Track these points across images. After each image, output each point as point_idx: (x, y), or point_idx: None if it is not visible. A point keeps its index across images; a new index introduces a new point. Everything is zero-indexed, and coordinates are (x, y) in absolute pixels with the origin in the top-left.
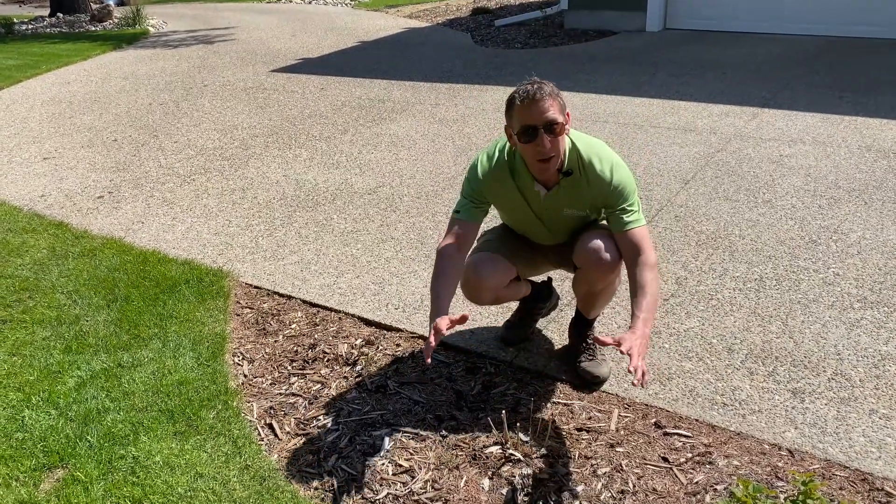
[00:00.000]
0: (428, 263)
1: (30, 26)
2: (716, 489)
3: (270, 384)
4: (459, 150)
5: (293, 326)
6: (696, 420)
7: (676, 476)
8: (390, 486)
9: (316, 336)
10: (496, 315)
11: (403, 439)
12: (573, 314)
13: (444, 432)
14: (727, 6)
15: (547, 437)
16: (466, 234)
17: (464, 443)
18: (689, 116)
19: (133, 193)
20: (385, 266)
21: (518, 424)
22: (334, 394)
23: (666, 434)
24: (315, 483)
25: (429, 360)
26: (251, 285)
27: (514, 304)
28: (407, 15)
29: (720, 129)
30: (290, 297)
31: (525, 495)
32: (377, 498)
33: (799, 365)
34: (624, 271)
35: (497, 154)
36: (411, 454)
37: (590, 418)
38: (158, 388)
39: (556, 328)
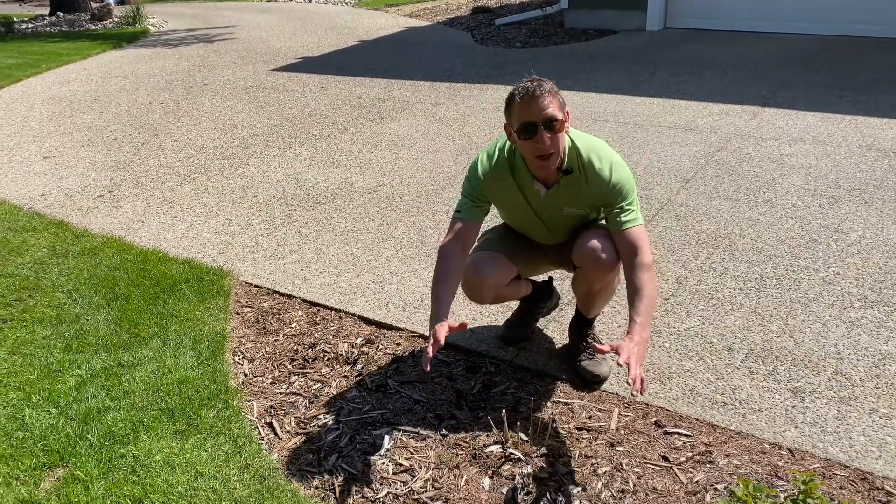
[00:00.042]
0: (428, 262)
1: (30, 25)
2: (716, 488)
3: (271, 383)
4: (460, 149)
5: (293, 325)
6: (697, 419)
7: (677, 475)
8: (390, 485)
9: (316, 335)
10: (496, 314)
11: (404, 438)
12: (573, 313)
13: (444, 431)
14: (727, 5)
15: (547, 436)
16: (467, 233)
17: (464, 442)
18: (689, 115)
19: (133, 192)
20: (385, 265)
21: (518, 423)
22: (334, 393)
23: (666, 433)
24: (315, 482)
25: (427, 369)
26: (251, 284)
27: (515, 304)
28: (407, 14)
29: (720, 129)
30: (290, 296)
31: (525, 494)
32: (377, 497)
33: (799, 364)
34: (622, 272)
35: (497, 153)
36: (411, 453)
37: (590, 417)
38: (159, 387)
39: (556, 327)
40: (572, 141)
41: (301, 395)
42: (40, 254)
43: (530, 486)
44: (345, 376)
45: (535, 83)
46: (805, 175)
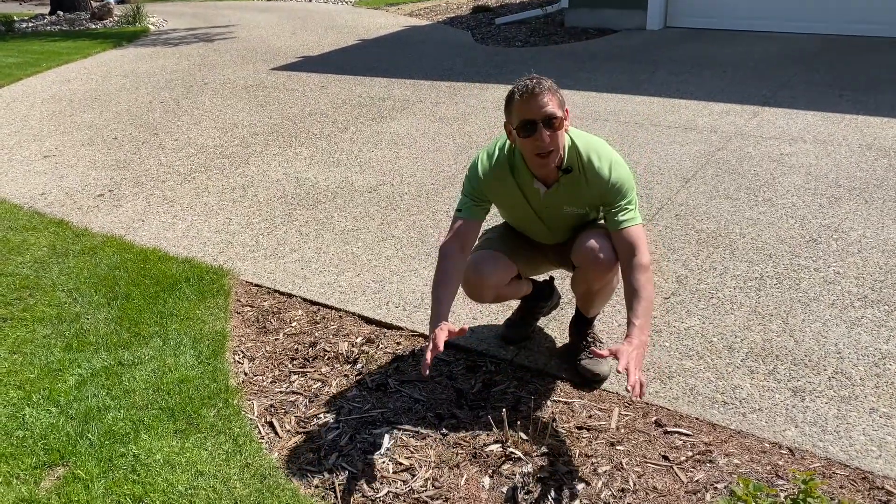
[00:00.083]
0: (428, 262)
1: (30, 24)
2: (716, 487)
3: (271, 382)
4: (460, 148)
5: (294, 324)
6: (697, 418)
7: (677, 474)
8: (391, 485)
9: (316, 334)
10: (497, 313)
11: (404, 437)
12: (573, 313)
13: (444, 430)
14: (727, 5)
15: (547, 435)
16: (468, 233)
17: (464, 441)
18: (689, 115)
19: (133, 191)
20: (385, 264)
21: (518, 423)
22: (335, 392)
23: (666, 432)
24: (315, 481)
25: (426, 373)
26: (252, 283)
27: (515, 303)
28: (407, 13)
29: (720, 128)
30: (290, 296)
31: (525, 493)
32: (377, 496)
33: (799, 363)
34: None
35: (497, 152)
36: (412, 452)
37: (590, 416)
38: (159, 386)
39: (556, 326)
40: (572, 140)
41: (301, 394)
42: (40, 253)
43: (530, 485)
44: (345, 375)
45: (534, 81)
46: (805, 174)
